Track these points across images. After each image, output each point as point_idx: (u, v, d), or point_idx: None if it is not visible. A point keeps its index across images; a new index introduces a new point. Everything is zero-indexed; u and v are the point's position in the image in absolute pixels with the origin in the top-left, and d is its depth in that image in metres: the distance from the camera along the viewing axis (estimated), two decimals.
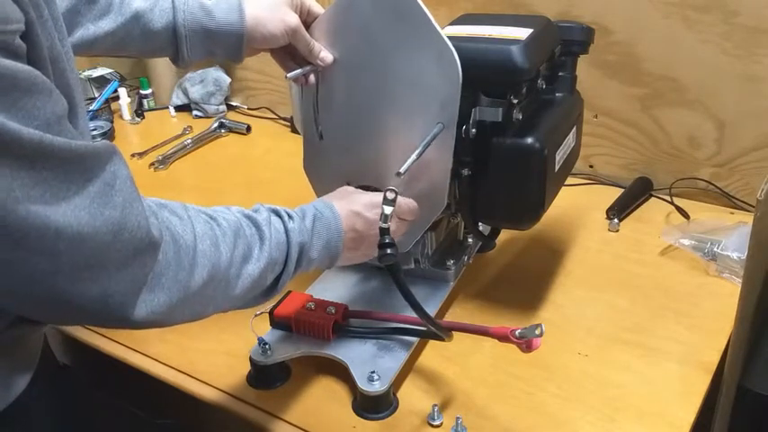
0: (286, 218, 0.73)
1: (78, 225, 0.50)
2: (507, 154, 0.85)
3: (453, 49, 0.77)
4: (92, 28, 0.83)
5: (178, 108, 1.81)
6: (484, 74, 0.82)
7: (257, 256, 0.67)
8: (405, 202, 0.84)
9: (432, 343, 0.93)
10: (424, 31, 0.78)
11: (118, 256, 0.54)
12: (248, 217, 0.70)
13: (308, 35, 0.86)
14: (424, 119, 0.81)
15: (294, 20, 0.86)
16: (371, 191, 0.87)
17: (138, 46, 0.87)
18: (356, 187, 0.90)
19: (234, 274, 0.65)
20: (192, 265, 0.60)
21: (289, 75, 0.87)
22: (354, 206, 0.80)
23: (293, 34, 0.86)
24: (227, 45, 0.87)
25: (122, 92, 1.78)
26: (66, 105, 0.52)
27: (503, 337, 0.76)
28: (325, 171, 0.94)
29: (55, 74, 0.53)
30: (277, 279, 0.72)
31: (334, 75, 0.88)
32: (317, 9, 0.89)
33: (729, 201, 1.23)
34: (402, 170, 0.78)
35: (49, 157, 0.48)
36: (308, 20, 0.89)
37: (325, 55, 0.87)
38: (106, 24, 0.83)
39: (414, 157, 0.79)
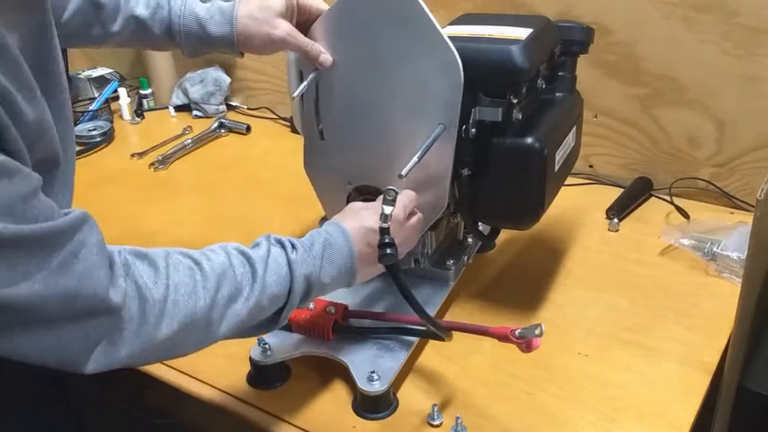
0: (290, 249, 0.72)
1: (29, 295, 0.51)
2: (507, 154, 0.85)
3: (456, 52, 0.77)
4: (99, 29, 0.90)
5: (178, 108, 1.81)
6: (484, 74, 0.82)
7: (247, 296, 0.67)
8: (405, 194, 0.83)
9: (432, 343, 0.93)
10: (427, 32, 0.78)
11: (70, 318, 0.55)
12: (243, 254, 0.69)
13: (302, 40, 0.86)
14: (425, 120, 0.81)
15: (281, 33, 0.86)
16: (372, 190, 0.87)
17: (142, 44, 0.95)
18: (357, 186, 0.90)
19: (217, 316, 0.65)
20: (159, 318, 0.60)
21: (294, 94, 0.87)
22: (366, 222, 0.79)
23: (282, 44, 0.87)
24: (222, 51, 0.91)
25: (122, 92, 1.78)
26: (36, 182, 0.53)
27: (503, 337, 0.76)
28: (325, 171, 0.94)
29: (41, 141, 0.56)
30: (279, 311, 0.72)
31: (335, 75, 0.88)
32: (321, 6, 0.89)
33: (729, 201, 1.23)
34: (404, 172, 0.78)
35: (5, 244, 0.49)
36: (310, 18, 0.89)
37: (325, 58, 0.86)
38: (112, 28, 0.90)
39: (415, 159, 0.79)
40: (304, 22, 0.89)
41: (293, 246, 0.73)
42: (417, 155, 0.79)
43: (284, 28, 0.86)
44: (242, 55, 0.92)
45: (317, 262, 0.73)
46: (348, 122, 0.89)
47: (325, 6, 0.88)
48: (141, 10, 0.88)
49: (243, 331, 0.70)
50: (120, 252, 0.60)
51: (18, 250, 0.50)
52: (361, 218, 0.80)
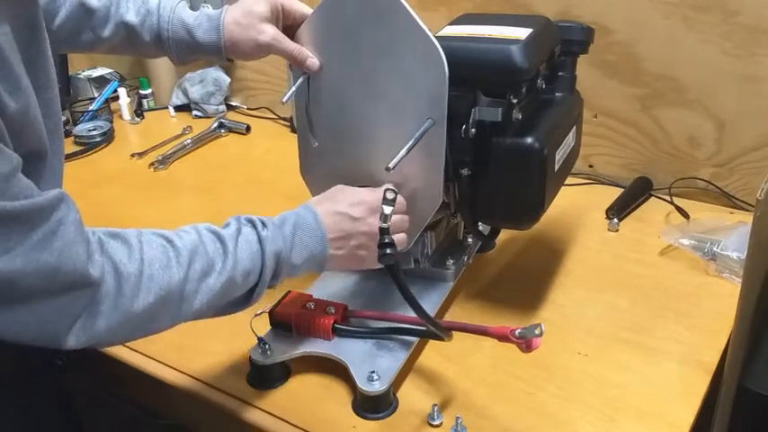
0: (260, 227, 0.74)
1: (10, 271, 0.53)
2: (507, 154, 0.85)
3: (438, 45, 0.77)
4: (90, 35, 0.91)
5: (178, 108, 1.81)
6: (484, 74, 0.82)
7: (220, 270, 0.68)
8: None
9: (431, 343, 0.93)
10: (409, 29, 0.78)
11: (51, 292, 0.56)
12: (213, 232, 0.71)
13: (288, 45, 0.87)
14: (415, 116, 0.81)
15: (266, 37, 0.87)
16: None
17: (132, 51, 0.96)
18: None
19: (191, 290, 0.66)
20: (136, 291, 0.62)
21: (283, 99, 0.87)
22: (339, 206, 0.80)
23: (269, 49, 0.88)
24: (210, 58, 0.93)
25: (122, 92, 1.78)
26: (16, 161, 0.55)
27: (502, 337, 0.76)
28: (321, 175, 0.94)
29: (25, 132, 0.58)
30: (252, 289, 0.73)
31: (324, 78, 0.88)
32: (305, 10, 0.89)
33: (729, 200, 1.23)
34: (391, 165, 0.78)
35: None
36: (294, 23, 0.89)
37: (312, 62, 0.86)
38: (102, 33, 0.91)
39: (403, 152, 0.79)
40: (289, 27, 0.89)
41: (263, 224, 0.74)
42: (405, 148, 0.79)
43: (270, 32, 0.87)
44: (231, 61, 0.93)
45: (287, 241, 0.74)
46: (340, 125, 0.89)
47: (309, 10, 0.88)
48: (131, 17, 0.90)
49: (217, 308, 0.71)
50: (94, 233, 0.62)
51: (0, 226, 0.52)
52: (336, 201, 0.81)
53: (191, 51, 0.91)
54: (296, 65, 0.87)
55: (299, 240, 0.76)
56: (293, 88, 0.88)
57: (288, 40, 0.87)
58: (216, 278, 0.68)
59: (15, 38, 0.59)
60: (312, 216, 0.78)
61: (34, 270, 0.54)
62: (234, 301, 0.73)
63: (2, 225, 0.52)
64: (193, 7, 0.92)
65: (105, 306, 0.60)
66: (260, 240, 0.72)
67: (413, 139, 0.80)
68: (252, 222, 0.74)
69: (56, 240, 0.55)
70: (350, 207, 0.80)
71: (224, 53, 0.90)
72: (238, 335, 0.90)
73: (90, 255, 0.59)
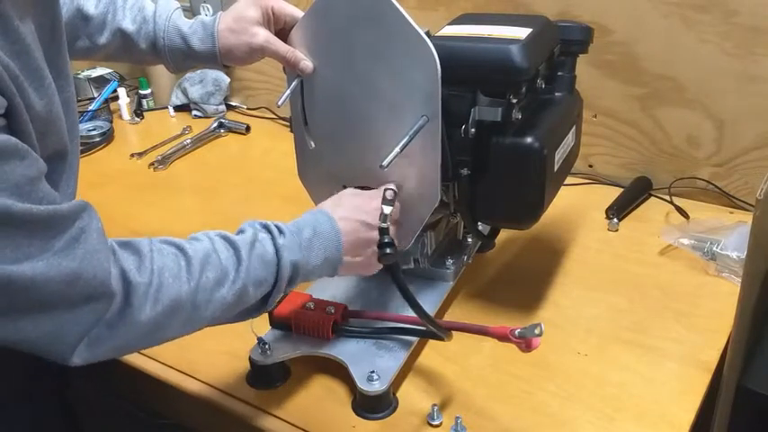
0: (276, 234, 0.72)
1: (33, 274, 0.52)
2: (507, 153, 0.85)
3: (429, 42, 0.77)
4: (87, 41, 0.91)
5: (177, 108, 1.81)
6: (483, 73, 0.82)
7: (233, 279, 0.67)
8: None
9: (431, 343, 0.93)
10: (400, 27, 0.78)
11: (70, 300, 0.56)
12: (227, 239, 0.69)
13: (282, 47, 0.87)
14: (409, 114, 0.81)
15: (259, 40, 0.87)
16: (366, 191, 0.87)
17: (128, 58, 0.96)
18: (354, 188, 0.90)
19: (203, 299, 0.65)
20: (143, 302, 0.61)
21: (279, 102, 0.86)
22: (354, 213, 0.79)
23: (262, 52, 0.88)
24: (206, 64, 0.93)
25: (122, 92, 1.78)
26: (42, 166, 0.55)
27: (502, 337, 0.76)
28: (319, 177, 0.94)
29: (49, 133, 0.58)
30: (267, 296, 0.72)
31: (317, 80, 0.88)
32: (296, 13, 0.89)
33: (729, 200, 1.23)
34: (384, 163, 0.78)
35: (12, 222, 0.51)
36: (286, 27, 0.89)
37: (305, 65, 0.86)
38: (98, 40, 0.91)
39: (397, 149, 0.79)
40: (280, 30, 0.89)
41: (280, 231, 0.73)
42: (399, 145, 0.79)
43: (263, 35, 0.87)
44: (228, 67, 0.94)
45: (304, 248, 0.73)
46: (335, 126, 0.89)
47: (300, 13, 0.88)
48: (128, 24, 0.90)
49: (231, 316, 0.71)
50: (107, 241, 0.61)
51: (24, 230, 0.52)
52: (351, 208, 0.80)
53: (186, 59, 0.92)
54: (289, 67, 0.87)
55: (317, 248, 0.74)
56: (288, 91, 0.88)
57: (280, 42, 0.87)
58: (229, 288, 0.67)
59: (40, 39, 0.59)
60: (329, 223, 0.76)
61: (56, 275, 0.53)
62: (248, 309, 0.72)
63: (26, 228, 0.52)
64: (194, 8, 0.93)
65: (110, 316, 0.59)
66: (276, 249, 0.71)
67: (407, 137, 0.80)
68: (268, 229, 0.72)
69: (78, 247, 0.55)
70: (365, 214, 0.79)
71: (219, 60, 0.90)
72: (238, 335, 0.90)
73: (111, 265, 0.58)
